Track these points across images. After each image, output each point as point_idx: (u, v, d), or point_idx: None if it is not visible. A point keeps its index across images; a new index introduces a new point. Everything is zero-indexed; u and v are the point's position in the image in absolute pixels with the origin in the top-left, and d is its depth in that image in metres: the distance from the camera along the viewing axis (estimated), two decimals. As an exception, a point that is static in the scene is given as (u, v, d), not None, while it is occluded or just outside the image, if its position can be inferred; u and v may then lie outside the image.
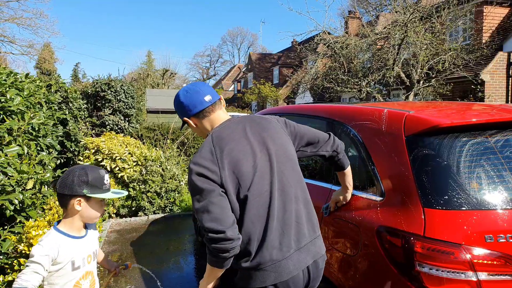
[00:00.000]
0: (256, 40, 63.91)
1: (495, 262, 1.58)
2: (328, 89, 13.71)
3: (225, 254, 1.54)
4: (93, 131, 7.89)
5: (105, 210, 5.85)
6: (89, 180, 1.73)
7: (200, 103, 1.79)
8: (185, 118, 1.86)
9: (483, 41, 13.19)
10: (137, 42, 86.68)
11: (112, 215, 6.33)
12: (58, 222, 1.80)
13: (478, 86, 12.28)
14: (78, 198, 1.72)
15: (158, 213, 6.48)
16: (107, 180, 1.80)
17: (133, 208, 6.40)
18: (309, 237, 1.71)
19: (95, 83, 8.07)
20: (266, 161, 1.69)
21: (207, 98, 1.80)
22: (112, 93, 8.03)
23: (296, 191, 1.76)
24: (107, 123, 8.03)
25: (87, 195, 1.72)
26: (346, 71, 12.90)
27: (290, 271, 1.62)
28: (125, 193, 1.89)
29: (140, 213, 6.44)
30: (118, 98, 8.09)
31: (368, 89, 12.19)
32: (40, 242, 1.70)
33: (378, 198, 1.94)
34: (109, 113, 8.03)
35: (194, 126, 1.85)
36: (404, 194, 1.80)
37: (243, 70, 43.80)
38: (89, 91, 8.03)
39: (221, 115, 1.83)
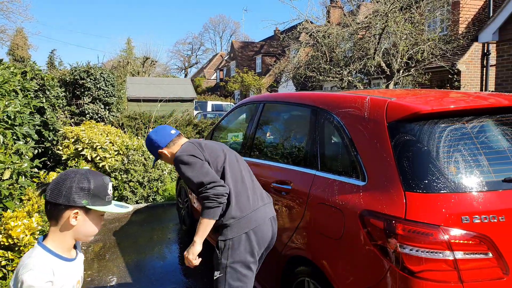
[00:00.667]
0: (239, 28, 63.57)
1: (470, 242, 1.66)
2: (311, 78, 13.77)
3: (221, 199, 2.10)
4: (72, 120, 7.74)
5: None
6: (91, 188, 1.39)
7: (168, 135, 2.38)
8: (160, 151, 2.39)
9: (460, 32, 13.47)
10: (116, 29, 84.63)
11: (94, 205, 6.26)
12: (44, 237, 1.42)
13: (455, 76, 12.58)
14: (76, 210, 1.37)
15: (141, 203, 6.44)
16: (110, 190, 1.47)
17: (115, 198, 6.34)
18: (267, 200, 2.36)
19: (73, 71, 7.88)
20: (231, 150, 2.43)
21: (172, 131, 2.41)
22: (92, 81, 7.87)
23: (251, 172, 2.44)
24: (86, 111, 7.89)
25: (87, 206, 1.38)
26: (328, 60, 12.97)
27: (262, 218, 2.22)
28: (130, 208, 1.54)
29: (122, 203, 6.39)
30: (98, 86, 7.94)
31: (349, 78, 12.31)
32: (27, 266, 1.30)
33: (361, 183, 1.99)
34: (88, 102, 7.88)
35: (168, 155, 2.39)
36: (386, 179, 1.86)
37: (225, 58, 43.46)
38: (67, 79, 7.85)
39: (184, 140, 2.43)
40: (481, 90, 13.12)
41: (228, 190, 2.17)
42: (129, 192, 6.32)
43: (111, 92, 8.26)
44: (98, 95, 8.01)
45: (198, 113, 17.40)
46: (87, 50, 75.81)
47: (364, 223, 1.86)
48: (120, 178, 6.29)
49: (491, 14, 11.53)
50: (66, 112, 7.68)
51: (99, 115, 8.07)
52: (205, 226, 2.12)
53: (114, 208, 1.46)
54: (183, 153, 2.22)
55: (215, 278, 2.18)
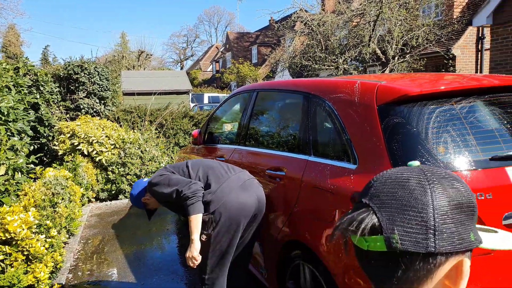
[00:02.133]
0: (234, 19, 63.12)
1: (459, 220, 1.68)
2: (306, 67, 13.75)
3: (198, 193, 2.29)
4: (68, 115, 7.73)
5: (84, 194, 5.82)
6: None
7: (142, 184, 2.68)
8: (142, 199, 2.66)
9: (454, 16, 13.42)
10: (110, 23, 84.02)
11: (92, 199, 6.29)
12: None
13: (450, 61, 12.56)
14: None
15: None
16: None
17: (113, 192, 6.37)
18: (238, 170, 2.58)
19: (67, 66, 7.84)
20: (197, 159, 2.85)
21: (145, 179, 2.71)
22: (86, 75, 7.84)
23: (221, 163, 2.69)
24: (82, 106, 7.88)
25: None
26: (324, 48, 12.94)
27: (237, 184, 2.42)
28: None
29: (120, 197, 6.42)
30: (93, 80, 7.91)
31: (345, 66, 12.30)
32: None
33: (352, 166, 2.01)
34: (83, 96, 7.86)
35: (151, 198, 2.61)
36: (376, 161, 1.88)
37: (221, 50, 43.24)
38: (61, 74, 7.82)
39: None
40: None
41: (202, 185, 2.37)
42: (127, 185, 6.35)
43: (106, 86, 8.23)
44: (93, 90, 7.99)
45: (194, 105, 17.37)
46: (81, 45, 75.10)
47: (355, 205, 1.88)
48: (117, 171, 6.31)
49: (485, -2, 11.48)
50: (61, 107, 7.67)
51: (94, 109, 8.06)
52: (196, 222, 2.26)
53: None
54: (152, 179, 2.51)
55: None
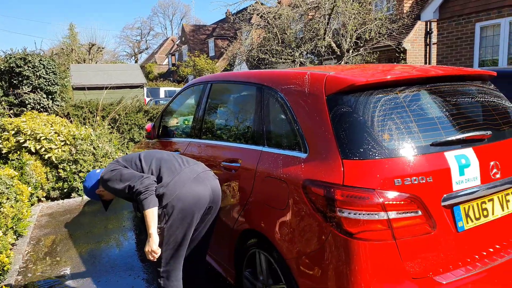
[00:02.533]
0: (189, 11, 62.05)
1: (402, 202, 1.79)
2: (264, 60, 13.82)
3: (151, 187, 2.28)
4: (11, 111, 7.31)
5: (33, 193, 5.56)
6: None
7: (95, 176, 2.63)
8: (96, 191, 2.63)
9: (404, 11, 13.98)
10: (55, 13, 79.68)
11: (42, 198, 6.01)
12: None
13: (401, 54, 13.10)
14: None
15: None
16: None
17: (65, 190, 6.12)
18: (193, 162, 2.55)
19: (8, 58, 7.38)
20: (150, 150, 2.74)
21: (98, 170, 2.68)
22: (30, 68, 7.42)
23: (176, 155, 2.65)
24: (27, 101, 7.46)
25: None
26: (280, 41, 13.05)
27: (190, 177, 2.40)
28: None
29: (73, 195, 6.18)
30: (38, 74, 7.50)
31: (301, 59, 12.49)
32: None
33: (303, 155, 2.07)
34: (28, 91, 7.45)
35: (105, 190, 2.56)
36: (325, 149, 1.95)
37: (177, 43, 42.41)
38: (1, 67, 7.35)
39: None
40: (424, 67, 13.76)
41: (154, 178, 2.36)
42: (80, 182, 6.12)
43: (53, 80, 7.85)
44: (39, 84, 7.59)
45: (150, 99, 16.97)
46: (23, 36, 70.43)
47: (307, 191, 1.94)
48: (69, 169, 6.06)
49: (431, -7, 12.04)
50: (3, 102, 7.23)
51: (41, 105, 7.67)
52: (151, 216, 2.25)
53: None
54: (104, 173, 2.46)
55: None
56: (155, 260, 2.31)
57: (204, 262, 2.74)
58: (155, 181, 2.35)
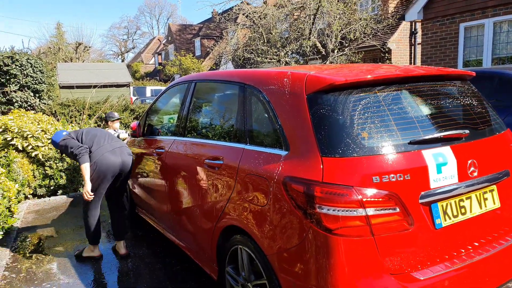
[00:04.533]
0: (176, 11, 61.71)
1: (380, 199, 1.83)
2: (249, 59, 13.84)
3: (82, 150, 3.50)
4: (-2, 110, 7.19)
5: (20, 190, 5.50)
6: None
7: (60, 134, 3.78)
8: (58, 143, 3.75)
9: (389, 11, 14.15)
10: (43, 12, 78.46)
11: (29, 196, 5.96)
12: None
13: (386, 54, 13.26)
14: None
15: (80, 191, 6.22)
16: None
17: (51, 188, 6.07)
18: (115, 142, 3.77)
19: (-5, 57, 7.28)
20: (92, 129, 3.92)
21: (64, 133, 3.81)
22: (18, 67, 7.32)
23: (107, 136, 3.82)
24: (14, 100, 7.37)
25: None
26: (266, 41, 13.08)
27: (108, 150, 3.62)
28: None
29: (60, 192, 6.14)
30: (25, 72, 7.41)
31: (286, 59, 12.54)
32: None
33: (284, 153, 2.10)
34: (16, 89, 7.35)
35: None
36: (305, 147, 1.98)
37: (163, 42, 42.12)
38: (-12, 66, 7.25)
39: None
40: (409, 67, 13.94)
41: (86, 147, 3.56)
42: (66, 180, 6.08)
43: (41, 79, 7.76)
44: (26, 82, 7.50)
45: (136, 98, 16.84)
46: (9, 35, 69.28)
47: (287, 188, 1.97)
48: (55, 166, 6.02)
49: (416, -6, 12.20)
50: (-11, 101, 7.12)
51: (28, 103, 7.57)
52: (85, 169, 3.48)
53: None
54: (60, 141, 3.71)
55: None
56: (90, 199, 3.53)
57: (121, 200, 4.06)
58: (86, 148, 3.55)
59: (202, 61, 29.30)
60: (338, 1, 11.93)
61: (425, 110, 2.19)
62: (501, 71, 4.82)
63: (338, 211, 1.80)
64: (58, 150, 3.98)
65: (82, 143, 3.60)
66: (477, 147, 2.21)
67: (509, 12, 8.30)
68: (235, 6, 13.42)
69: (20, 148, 5.87)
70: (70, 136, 3.68)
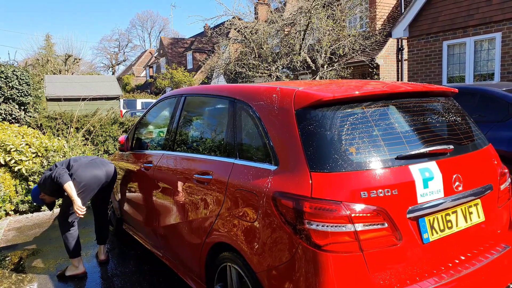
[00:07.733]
0: (168, 25, 62.02)
1: (368, 214, 1.84)
2: (241, 73, 13.93)
3: (61, 171, 3.45)
4: (-18, 122, 7.07)
5: (1, 206, 5.37)
6: None
7: (35, 187, 3.82)
8: (40, 197, 3.78)
9: (377, 28, 14.44)
10: (32, 24, 78.19)
11: (10, 212, 5.81)
12: None
13: (374, 69, 13.49)
14: None
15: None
16: None
17: (35, 204, 5.93)
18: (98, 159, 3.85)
19: (-20, 69, 7.20)
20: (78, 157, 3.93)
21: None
22: (2, 79, 7.25)
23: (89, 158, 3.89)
24: (-2, 112, 7.27)
25: None
26: (257, 56, 13.20)
27: (88, 166, 3.65)
28: None
29: (43, 208, 6.00)
30: (10, 85, 7.33)
31: (277, 73, 12.65)
32: None
33: (273, 168, 2.10)
34: (0, 102, 7.26)
35: (45, 195, 3.77)
36: (294, 162, 1.99)
37: (155, 55, 42.24)
38: (-27, 78, 7.16)
39: None
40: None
41: (64, 167, 3.55)
42: (51, 196, 5.96)
43: (27, 91, 7.68)
44: (11, 95, 7.41)
45: (126, 111, 16.76)
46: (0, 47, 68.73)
47: (276, 204, 1.97)
48: (39, 182, 5.90)
49: (403, 11, 12.50)
50: (-27, 113, 7.01)
51: (13, 116, 7.47)
52: (69, 188, 3.41)
53: None
54: (38, 181, 3.74)
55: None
56: (82, 215, 3.45)
57: (106, 208, 4.14)
58: (63, 168, 3.51)
59: (194, 75, 29.38)
60: (327, 18, 12.14)
61: (411, 125, 2.23)
62: (483, 88, 4.93)
63: (327, 226, 1.80)
64: (43, 197, 3.80)
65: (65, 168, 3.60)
66: (461, 162, 2.24)
67: (489, 31, 8.56)
68: (227, 21, 13.56)
69: (2, 162, 5.76)
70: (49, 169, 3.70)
